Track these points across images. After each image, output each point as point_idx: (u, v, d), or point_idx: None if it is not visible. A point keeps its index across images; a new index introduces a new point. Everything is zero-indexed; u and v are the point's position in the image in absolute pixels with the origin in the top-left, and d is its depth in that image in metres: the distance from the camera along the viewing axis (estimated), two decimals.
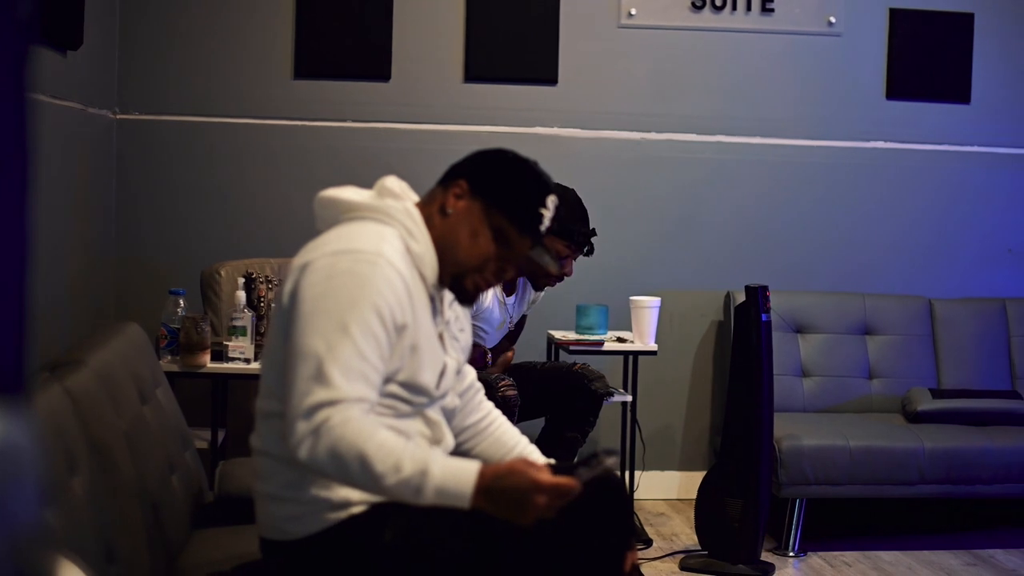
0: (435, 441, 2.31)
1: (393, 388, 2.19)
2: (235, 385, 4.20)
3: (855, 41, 5.17)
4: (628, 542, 2.32)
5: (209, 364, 3.84)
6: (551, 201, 2.30)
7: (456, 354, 2.41)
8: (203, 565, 2.56)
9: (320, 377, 2.04)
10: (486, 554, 2.17)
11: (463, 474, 2.02)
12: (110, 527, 2.26)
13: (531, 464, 2.02)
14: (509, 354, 4.20)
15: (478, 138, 4.66)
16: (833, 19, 5.13)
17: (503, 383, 3.77)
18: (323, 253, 2.17)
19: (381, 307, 2.12)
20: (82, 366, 2.48)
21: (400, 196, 2.31)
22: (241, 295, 3.92)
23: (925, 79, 5.20)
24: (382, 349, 2.12)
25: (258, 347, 3.84)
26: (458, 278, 2.30)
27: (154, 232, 4.82)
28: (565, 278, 4.05)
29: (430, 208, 2.31)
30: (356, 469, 2.01)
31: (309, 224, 2.38)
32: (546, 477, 1.99)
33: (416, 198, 2.36)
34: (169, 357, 3.85)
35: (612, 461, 2.10)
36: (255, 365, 3.76)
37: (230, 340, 3.86)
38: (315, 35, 4.84)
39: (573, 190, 4.00)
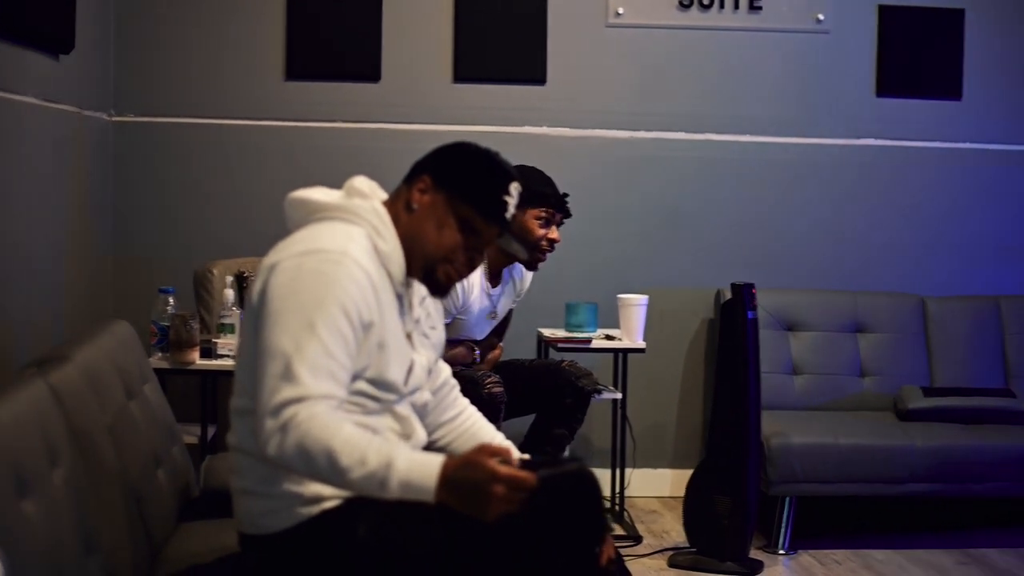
0: (405, 436, 2.33)
1: (361, 385, 2.22)
2: (224, 382, 4.22)
3: (844, 38, 5.18)
4: (600, 536, 2.32)
5: (198, 361, 3.88)
6: (514, 188, 2.34)
7: (426, 351, 2.43)
8: (185, 557, 2.59)
9: (288, 375, 2.06)
10: (459, 549, 2.18)
11: (427, 467, 2.02)
12: (90, 518, 2.29)
13: (490, 452, 2.02)
14: (497, 351, 4.21)
15: (467, 138, 4.62)
16: (821, 16, 5.14)
17: (489, 380, 3.79)
18: (290, 253, 2.20)
19: (347, 305, 2.14)
20: (67, 361, 2.51)
21: (368, 195, 2.34)
22: (230, 293, 3.97)
23: (915, 76, 5.20)
24: (349, 347, 2.14)
25: None
26: (429, 270, 2.32)
27: (150, 232, 4.89)
28: (555, 246, 4.02)
29: (396, 206, 2.34)
30: (323, 464, 2.03)
31: None
32: (503, 468, 1.98)
33: (385, 196, 2.38)
34: (159, 354, 3.90)
35: (574, 466, 2.16)
36: None
37: (219, 337, 3.90)
38: (306, 37, 4.89)
39: (532, 166, 4.00)
